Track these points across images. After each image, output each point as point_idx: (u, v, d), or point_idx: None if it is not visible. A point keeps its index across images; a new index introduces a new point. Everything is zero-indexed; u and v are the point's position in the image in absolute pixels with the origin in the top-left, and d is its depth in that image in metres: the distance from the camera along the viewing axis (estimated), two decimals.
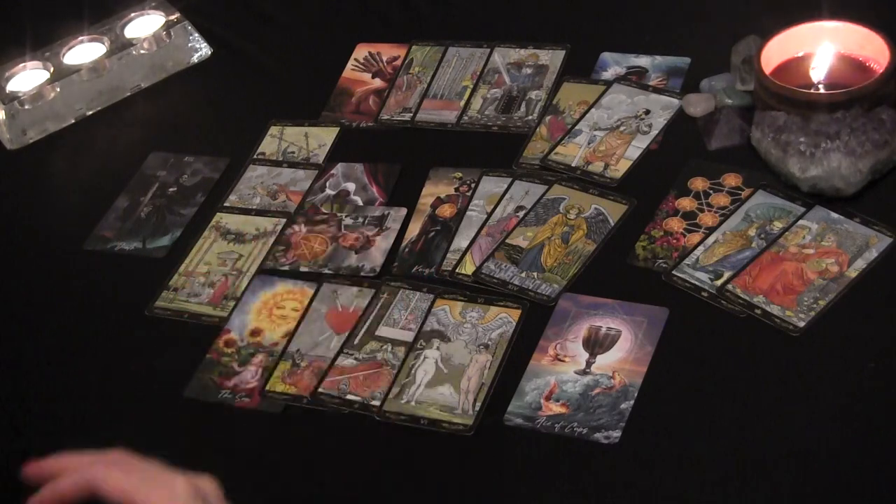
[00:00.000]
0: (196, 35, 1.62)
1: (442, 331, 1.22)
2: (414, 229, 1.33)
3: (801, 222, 1.24)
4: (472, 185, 1.36)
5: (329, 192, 1.41)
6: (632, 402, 1.12)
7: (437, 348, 1.21)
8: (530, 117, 1.43)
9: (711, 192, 1.29)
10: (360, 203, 1.38)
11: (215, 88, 1.60)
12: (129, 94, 1.60)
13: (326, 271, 1.31)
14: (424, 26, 1.59)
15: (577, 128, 1.39)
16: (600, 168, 1.35)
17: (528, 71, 1.49)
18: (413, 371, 1.19)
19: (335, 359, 1.22)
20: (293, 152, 1.47)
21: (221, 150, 1.50)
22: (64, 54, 1.59)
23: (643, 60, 1.46)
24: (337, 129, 1.48)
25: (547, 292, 1.23)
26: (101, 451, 0.89)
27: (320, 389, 1.20)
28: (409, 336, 1.23)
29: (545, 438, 1.12)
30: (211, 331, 1.28)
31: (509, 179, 1.36)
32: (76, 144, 1.56)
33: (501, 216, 1.32)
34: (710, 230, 1.25)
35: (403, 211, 1.35)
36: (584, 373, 1.16)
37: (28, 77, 1.57)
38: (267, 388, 1.21)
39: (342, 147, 1.46)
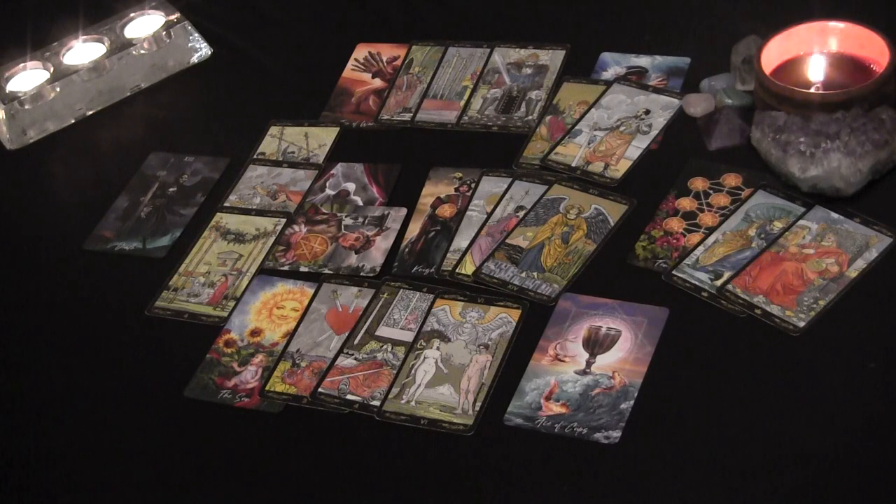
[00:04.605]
0: (196, 35, 1.62)
1: (442, 331, 1.22)
2: (414, 229, 1.33)
3: (801, 222, 1.24)
4: (472, 185, 1.36)
5: (329, 192, 1.41)
6: (632, 402, 1.12)
7: (437, 348, 1.21)
8: (530, 117, 1.43)
9: (711, 192, 1.29)
10: (360, 203, 1.38)
11: (215, 88, 1.60)
12: (129, 94, 1.60)
13: (326, 271, 1.31)
14: (424, 26, 1.59)
15: (577, 128, 1.39)
16: (600, 168, 1.35)
17: (528, 71, 1.49)
18: (413, 371, 1.19)
19: (335, 359, 1.22)
20: (293, 152, 1.47)
21: (221, 150, 1.50)
22: (64, 54, 1.59)
23: (643, 60, 1.46)
24: (337, 129, 1.48)
25: (547, 292, 1.23)
26: None
27: (320, 389, 1.20)
28: (409, 336, 1.23)
29: (545, 438, 1.12)
30: (211, 331, 1.28)
31: (509, 179, 1.36)
32: (76, 144, 1.56)
33: (501, 216, 1.32)
34: (710, 230, 1.25)
35: (403, 211, 1.35)
36: (584, 373, 1.16)
37: (28, 77, 1.57)
38: (267, 388, 1.21)
39: (342, 147, 1.46)
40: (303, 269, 1.32)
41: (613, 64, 1.47)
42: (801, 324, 1.15)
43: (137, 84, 1.60)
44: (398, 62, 1.55)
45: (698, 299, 1.20)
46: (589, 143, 1.37)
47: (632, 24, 1.53)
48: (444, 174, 1.39)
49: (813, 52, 1.34)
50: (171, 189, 1.46)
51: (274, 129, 1.50)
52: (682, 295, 1.20)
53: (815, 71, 1.33)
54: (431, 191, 1.37)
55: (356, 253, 1.32)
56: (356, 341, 1.23)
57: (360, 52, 1.58)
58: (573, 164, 1.36)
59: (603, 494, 1.07)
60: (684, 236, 1.26)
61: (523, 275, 1.26)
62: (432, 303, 1.25)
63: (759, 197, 1.27)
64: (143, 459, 1.19)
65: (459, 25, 1.58)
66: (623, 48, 1.48)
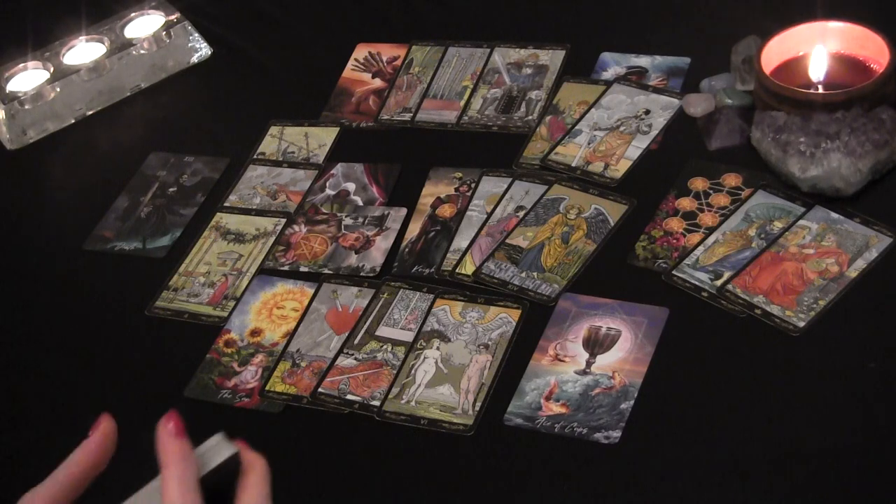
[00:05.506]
0: (196, 35, 1.62)
1: (442, 331, 1.22)
2: (414, 229, 1.33)
3: (801, 222, 1.24)
4: (472, 185, 1.36)
5: (329, 192, 1.41)
6: (632, 402, 1.12)
7: (437, 348, 1.21)
8: (530, 117, 1.43)
9: (711, 192, 1.29)
10: (360, 203, 1.38)
11: (215, 88, 1.60)
12: (129, 94, 1.60)
13: (326, 271, 1.31)
14: (424, 26, 1.59)
15: (577, 128, 1.39)
16: (600, 168, 1.35)
17: (528, 71, 1.49)
18: (413, 371, 1.19)
19: (335, 359, 1.22)
20: (293, 152, 1.47)
21: (221, 150, 1.50)
22: (64, 54, 1.59)
23: (643, 60, 1.46)
24: (337, 129, 1.48)
25: (547, 292, 1.23)
26: None
27: (320, 389, 1.20)
28: (409, 336, 1.23)
29: (545, 438, 1.12)
30: (211, 331, 1.28)
31: (509, 179, 1.36)
32: (76, 144, 1.56)
33: (501, 216, 1.32)
34: (710, 230, 1.25)
35: (403, 211, 1.35)
36: (584, 373, 1.16)
37: (28, 77, 1.57)
38: (267, 388, 1.21)
39: (342, 147, 1.46)
40: (303, 269, 1.32)
41: (613, 64, 1.47)
42: (801, 324, 1.15)
43: (137, 84, 1.60)
44: (398, 62, 1.55)
45: (698, 299, 1.20)
46: (589, 143, 1.37)
47: (632, 24, 1.53)
48: (444, 174, 1.39)
49: (813, 52, 1.33)
50: (171, 189, 1.46)
51: (274, 129, 1.50)
52: (682, 295, 1.20)
53: (816, 71, 1.32)
54: (431, 191, 1.37)
55: (356, 253, 1.32)
56: (356, 341, 1.23)
57: (360, 52, 1.58)
58: (573, 164, 1.36)
59: (603, 494, 1.07)
60: (684, 236, 1.26)
61: (523, 275, 1.26)
62: (432, 303, 1.25)
63: (759, 197, 1.27)
64: (143, 460, 1.18)
65: (459, 25, 1.58)
66: (623, 48, 1.48)
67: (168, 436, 0.81)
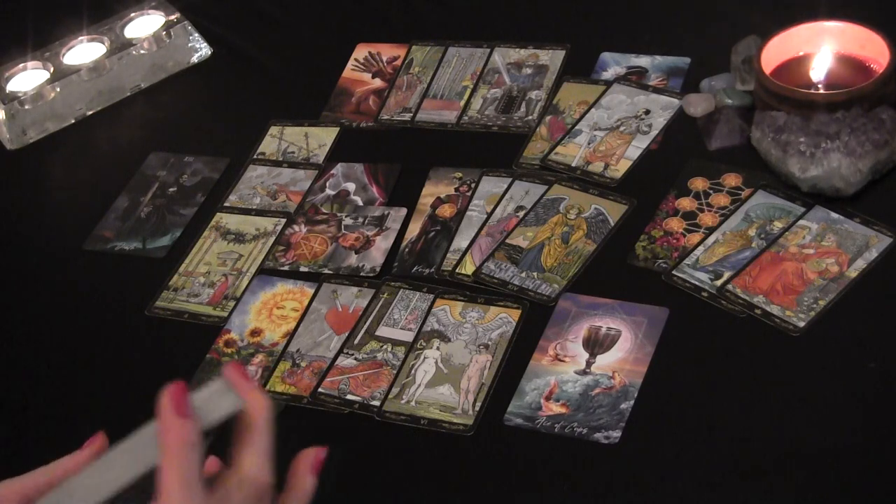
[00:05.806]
0: (196, 35, 1.62)
1: (442, 331, 1.22)
2: (414, 229, 1.33)
3: (801, 222, 1.24)
4: (472, 185, 1.36)
5: (329, 192, 1.41)
6: (632, 402, 1.12)
7: (437, 348, 1.21)
8: (530, 117, 1.43)
9: (711, 192, 1.29)
10: (360, 203, 1.38)
11: (215, 88, 1.60)
12: (129, 94, 1.60)
13: (326, 271, 1.31)
14: (424, 26, 1.59)
15: (577, 128, 1.39)
16: (600, 168, 1.35)
17: (528, 71, 1.49)
18: (413, 371, 1.19)
19: (335, 359, 1.22)
20: (293, 152, 1.47)
21: (221, 150, 1.50)
22: (64, 54, 1.59)
23: (643, 60, 1.46)
24: (337, 129, 1.48)
25: (547, 292, 1.23)
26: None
27: (320, 389, 1.20)
28: (409, 336, 1.23)
29: (545, 438, 1.12)
30: (211, 331, 1.28)
31: (509, 179, 1.36)
32: (76, 144, 1.56)
33: (501, 216, 1.32)
34: (710, 230, 1.25)
35: (403, 211, 1.35)
36: (584, 373, 1.16)
37: (28, 77, 1.57)
38: (267, 388, 1.21)
39: (342, 147, 1.46)
40: (303, 269, 1.32)
41: (613, 64, 1.47)
42: (801, 324, 1.15)
43: (137, 84, 1.60)
44: (398, 62, 1.55)
45: (698, 299, 1.20)
46: (589, 143, 1.37)
47: (632, 24, 1.53)
48: (444, 174, 1.39)
49: (813, 52, 1.34)
50: (171, 189, 1.46)
51: (274, 129, 1.50)
52: (682, 295, 1.20)
53: (816, 71, 1.33)
54: (431, 191, 1.37)
55: (356, 253, 1.32)
56: (356, 341, 1.23)
57: (360, 52, 1.58)
58: (573, 164, 1.36)
59: (603, 494, 1.07)
60: (684, 236, 1.26)
61: (523, 275, 1.26)
62: (432, 303, 1.25)
63: (759, 197, 1.27)
64: None
65: (459, 25, 1.58)
66: (623, 48, 1.48)
67: (170, 414, 0.71)
